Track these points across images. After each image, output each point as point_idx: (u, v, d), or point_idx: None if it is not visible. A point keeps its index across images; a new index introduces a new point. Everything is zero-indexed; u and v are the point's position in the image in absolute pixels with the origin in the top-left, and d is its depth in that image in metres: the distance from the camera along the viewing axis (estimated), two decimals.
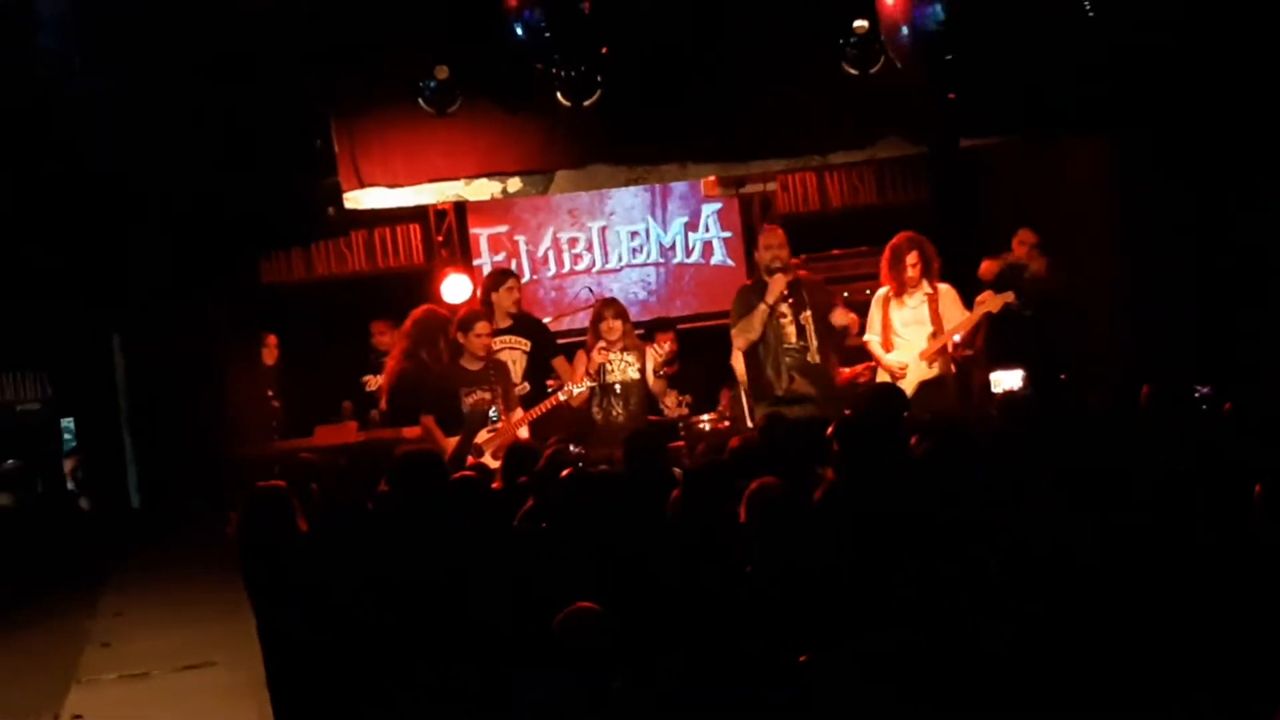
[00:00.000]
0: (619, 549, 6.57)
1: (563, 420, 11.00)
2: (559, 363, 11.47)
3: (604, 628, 5.56)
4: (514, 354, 11.49)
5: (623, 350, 10.99)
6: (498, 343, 11.33)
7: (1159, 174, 11.63)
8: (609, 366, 10.98)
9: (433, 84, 11.07)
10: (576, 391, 10.85)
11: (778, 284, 10.72)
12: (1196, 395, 8.35)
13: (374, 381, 12.49)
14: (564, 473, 7.49)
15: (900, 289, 11.06)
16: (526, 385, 11.43)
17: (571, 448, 8.81)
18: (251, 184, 11.43)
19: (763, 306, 10.73)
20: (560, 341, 12.69)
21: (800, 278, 11.02)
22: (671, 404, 11.66)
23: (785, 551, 6.05)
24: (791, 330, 10.81)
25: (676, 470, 8.57)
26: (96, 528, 11.74)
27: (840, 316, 10.90)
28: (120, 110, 11.17)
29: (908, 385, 10.75)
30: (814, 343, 10.80)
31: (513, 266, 14.07)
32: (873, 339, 11.20)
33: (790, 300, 10.81)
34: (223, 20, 10.62)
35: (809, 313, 10.82)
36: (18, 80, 11.35)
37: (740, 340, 10.92)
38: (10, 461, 12.91)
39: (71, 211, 11.94)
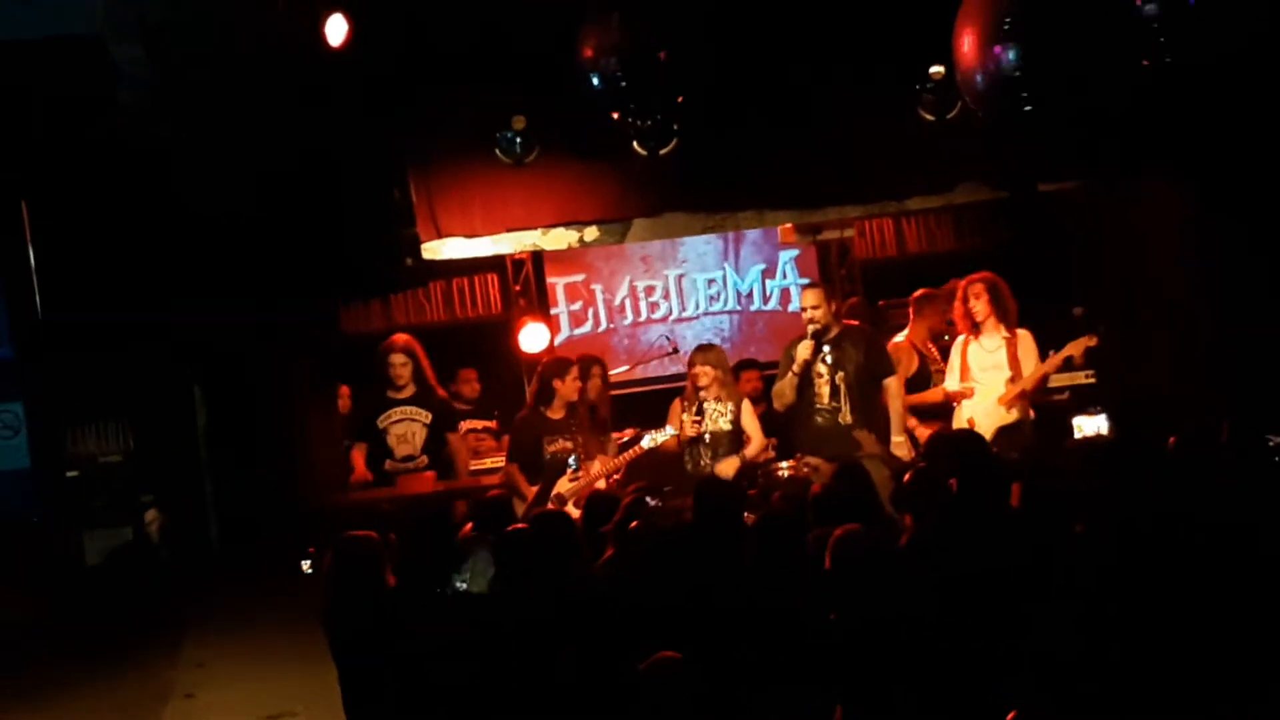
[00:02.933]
0: (695, 598, 6.55)
1: (655, 469, 10.92)
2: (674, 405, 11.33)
3: (687, 676, 5.53)
4: (413, 425, 11.46)
5: (716, 399, 10.83)
6: (397, 413, 11.37)
7: (1237, 216, 11.52)
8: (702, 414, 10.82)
9: (510, 134, 11.13)
10: (661, 439, 10.73)
11: (803, 352, 10.55)
12: (1271, 444, 8.20)
13: (462, 426, 12.53)
14: (632, 524, 7.47)
15: (970, 328, 10.94)
16: (425, 458, 11.38)
17: (649, 500, 8.75)
18: (331, 235, 11.51)
19: (790, 376, 10.62)
20: (636, 390, 12.67)
21: (847, 330, 10.79)
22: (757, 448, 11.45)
23: (869, 598, 6.01)
24: (826, 390, 10.55)
25: (749, 516, 8.51)
26: (178, 578, 11.81)
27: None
28: (200, 162, 11.29)
29: (986, 430, 10.63)
30: (846, 404, 10.55)
31: (589, 315, 14.10)
32: (951, 382, 11.08)
33: (830, 358, 10.61)
34: (301, 73, 10.72)
35: (844, 373, 10.54)
36: (98, 132, 11.52)
37: (777, 403, 10.77)
38: None
39: (150, 263, 12.08)
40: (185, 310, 12.27)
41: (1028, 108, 9.37)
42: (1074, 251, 13.19)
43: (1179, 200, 12.23)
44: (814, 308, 10.59)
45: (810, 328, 10.55)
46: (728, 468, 10.56)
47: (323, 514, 10.58)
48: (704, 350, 11.09)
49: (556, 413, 10.88)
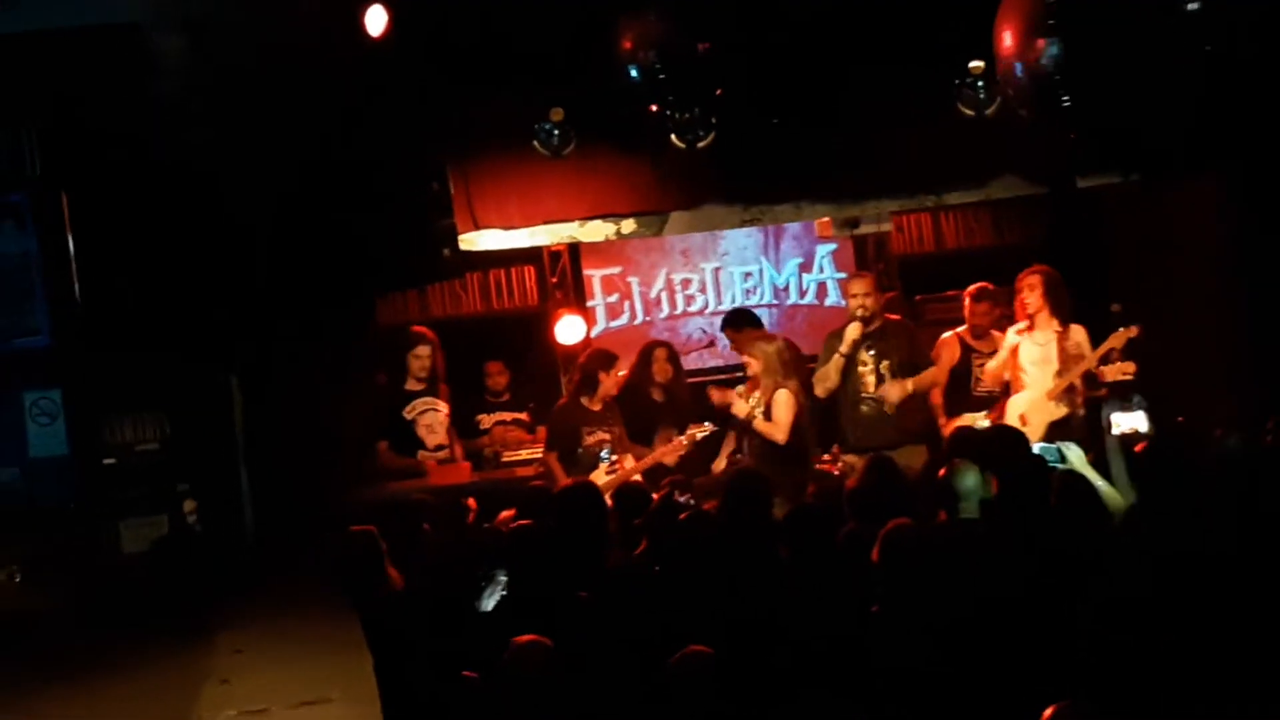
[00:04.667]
0: (725, 592, 6.55)
1: (696, 460, 10.95)
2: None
3: (715, 671, 5.53)
4: (438, 415, 11.41)
5: (755, 390, 10.82)
6: (421, 404, 11.30)
7: (1277, 212, 11.46)
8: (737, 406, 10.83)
9: (548, 126, 11.14)
10: (700, 436, 10.76)
11: (851, 333, 10.60)
12: None
13: (488, 420, 12.52)
14: (681, 516, 7.48)
15: (1024, 320, 10.94)
16: (446, 452, 11.39)
17: (677, 495, 8.77)
18: (368, 226, 11.54)
19: (837, 357, 10.63)
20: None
21: (889, 323, 10.87)
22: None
23: (916, 593, 6.00)
24: (871, 379, 10.63)
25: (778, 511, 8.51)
26: (214, 567, 11.86)
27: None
28: (238, 153, 11.31)
29: (1036, 426, 10.61)
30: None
31: (625, 308, 14.09)
32: (991, 364, 11.09)
33: (873, 348, 10.67)
34: (340, 66, 10.74)
35: (889, 362, 10.66)
36: (138, 122, 11.55)
37: (819, 388, 10.75)
38: None
39: (189, 254, 12.13)
40: (222, 301, 12.33)
41: (1067, 103, 9.35)
42: (1112, 247, 13.14)
43: (1218, 196, 12.17)
44: (864, 294, 10.67)
45: (858, 313, 10.59)
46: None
47: (357, 504, 10.60)
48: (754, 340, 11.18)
49: (595, 404, 10.91)
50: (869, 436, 10.52)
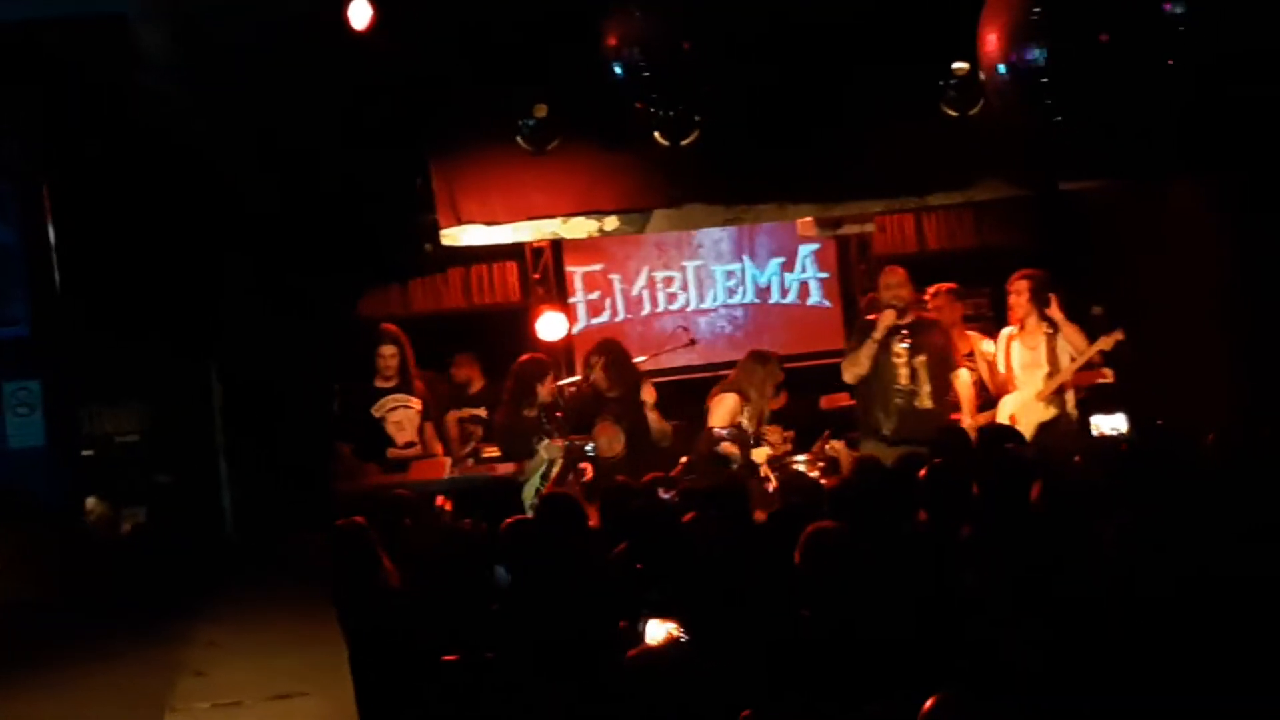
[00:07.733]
0: (704, 593, 6.55)
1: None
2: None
3: (671, 669, 5.48)
4: (408, 413, 11.41)
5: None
6: (391, 401, 11.35)
7: (1259, 215, 11.48)
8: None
9: (531, 122, 11.14)
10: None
11: (886, 319, 10.74)
12: None
13: (452, 417, 12.50)
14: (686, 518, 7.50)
15: (1016, 324, 11.07)
16: (420, 446, 11.43)
17: (661, 491, 8.80)
18: (350, 220, 11.52)
19: (870, 342, 10.74)
20: (655, 381, 12.61)
21: (921, 319, 11.09)
22: (776, 440, 11.51)
23: (841, 597, 5.97)
24: (904, 372, 10.87)
25: (760, 514, 8.53)
26: (192, 559, 11.82)
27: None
28: (222, 146, 11.29)
29: (1025, 427, 10.69)
30: (925, 387, 10.90)
31: (606, 305, 14.08)
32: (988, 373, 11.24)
33: (907, 341, 10.85)
34: (324, 60, 10.73)
35: (924, 357, 10.89)
36: (122, 114, 11.53)
37: (847, 374, 10.96)
38: None
39: (170, 244, 12.10)
40: (203, 292, 12.30)
41: (1051, 106, 9.35)
42: (1094, 250, 13.16)
43: (1200, 199, 12.21)
44: (898, 285, 10.97)
45: (893, 303, 10.88)
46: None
47: (337, 498, 10.59)
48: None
49: (533, 411, 11.02)
50: (904, 429, 10.72)
